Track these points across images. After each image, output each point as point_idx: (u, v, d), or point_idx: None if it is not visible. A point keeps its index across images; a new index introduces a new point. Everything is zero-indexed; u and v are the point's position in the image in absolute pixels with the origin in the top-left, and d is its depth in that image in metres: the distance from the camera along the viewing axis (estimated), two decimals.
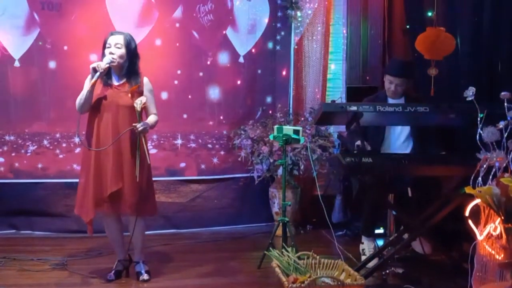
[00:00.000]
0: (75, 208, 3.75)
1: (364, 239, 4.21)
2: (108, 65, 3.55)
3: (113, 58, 3.58)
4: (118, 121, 3.60)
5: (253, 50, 5.45)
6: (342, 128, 5.14)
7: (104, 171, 3.60)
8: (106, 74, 3.60)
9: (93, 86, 3.53)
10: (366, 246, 4.17)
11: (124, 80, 3.67)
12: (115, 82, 3.67)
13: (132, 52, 3.68)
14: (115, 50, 3.61)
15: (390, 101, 4.18)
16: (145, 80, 3.75)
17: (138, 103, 3.56)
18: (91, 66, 3.53)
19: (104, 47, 3.66)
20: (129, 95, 3.60)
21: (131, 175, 3.60)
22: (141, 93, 3.67)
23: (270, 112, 5.46)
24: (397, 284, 3.54)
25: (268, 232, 4.92)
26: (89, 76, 3.63)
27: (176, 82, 5.21)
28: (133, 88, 3.62)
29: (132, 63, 3.68)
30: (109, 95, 3.61)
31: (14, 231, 5.05)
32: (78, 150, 5.00)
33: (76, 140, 4.98)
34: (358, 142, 3.77)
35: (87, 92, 3.54)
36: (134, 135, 3.61)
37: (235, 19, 5.38)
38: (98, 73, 3.51)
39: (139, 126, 3.54)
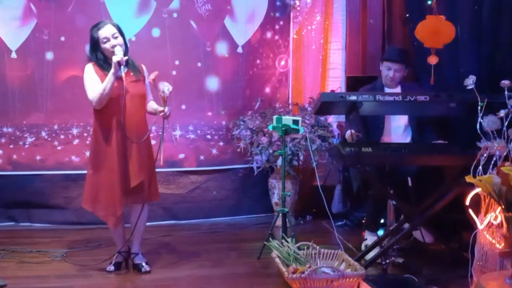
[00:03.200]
0: (83, 202, 3.68)
1: (367, 234, 4.18)
2: (126, 57, 3.53)
3: (123, 50, 3.54)
4: (136, 111, 3.61)
5: (251, 40, 5.43)
6: (342, 118, 5.14)
7: (128, 163, 3.58)
8: (109, 66, 3.52)
9: (116, 79, 3.48)
10: (370, 242, 4.13)
11: (126, 69, 3.62)
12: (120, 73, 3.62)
13: (125, 39, 3.66)
14: (117, 41, 3.55)
15: (387, 90, 4.17)
16: (144, 67, 3.77)
17: (166, 88, 3.57)
18: (116, 60, 3.44)
19: (95, 43, 3.56)
20: (151, 81, 3.62)
21: (148, 164, 3.66)
22: (144, 80, 3.71)
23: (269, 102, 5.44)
24: (397, 274, 3.54)
25: (267, 222, 4.92)
26: (89, 68, 3.57)
27: (174, 72, 5.18)
28: (154, 78, 3.61)
29: (127, 50, 3.65)
30: (122, 87, 3.53)
31: (13, 223, 5.06)
32: (76, 141, 5.01)
33: (74, 132, 4.99)
34: (348, 132, 3.75)
35: (110, 87, 3.46)
36: (146, 125, 3.68)
37: (233, 9, 5.34)
38: (123, 67, 3.47)
39: (167, 111, 3.61)
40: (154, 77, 3.60)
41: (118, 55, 3.47)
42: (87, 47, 3.67)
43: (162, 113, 3.61)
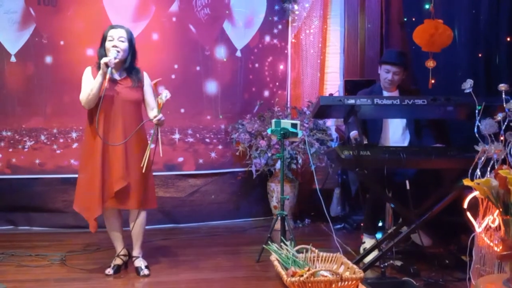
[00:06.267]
0: (74, 204, 3.71)
1: (365, 237, 4.18)
2: (117, 59, 3.53)
3: (118, 52, 3.55)
4: (125, 116, 3.60)
5: (250, 44, 5.44)
6: (340, 121, 5.15)
7: (111, 166, 3.58)
8: (105, 66, 3.54)
9: (104, 81, 3.48)
10: (368, 245, 4.13)
11: (125, 75, 3.65)
12: (117, 77, 3.65)
13: (133, 47, 3.68)
14: (119, 44, 3.57)
15: (385, 94, 4.18)
16: (145, 75, 3.76)
17: (164, 95, 3.57)
18: (103, 61, 3.47)
19: (103, 40, 3.62)
20: (152, 88, 3.64)
21: (137, 169, 3.62)
22: (142, 88, 3.70)
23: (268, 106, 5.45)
24: (395, 277, 3.54)
25: (266, 226, 4.92)
26: (87, 71, 3.62)
27: (173, 76, 5.19)
28: (156, 83, 3.63)
29: (133, 58, 3.68)
30: (114, 90, 3.58)
31: (12, 227, 5.06)
32: (75, 145, 5.01)
33: (73, 136, 5.00)
34: (353, 133, 3.77)
35: (97, 88, 3.48)
36: (140, 130, 3.66)
37: (232, 13, 5.36)
38: (110, 68, 3.48)
39: (160, 117, 3.59)
40: (156, 82, 3.64)
41: (108, 57, 3.50)
42: None
43: (154, 119, 3.60)
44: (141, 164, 3.61)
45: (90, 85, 3.53)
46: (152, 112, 3.72)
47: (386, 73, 4.13)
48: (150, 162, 3.71)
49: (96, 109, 3.54)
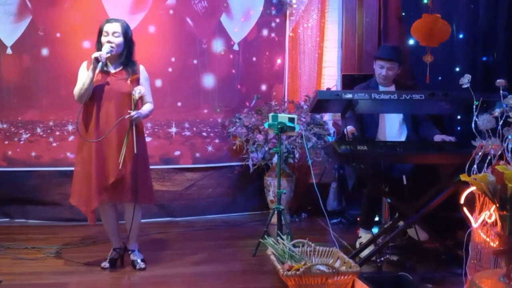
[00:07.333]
0: (70, 197, 3.70)
1: (362, 232, 4.19)
2: (108, 54, 3.52)
3: (111, 48, 3.54)
4: (119, 109, 3.57)
5: (248, 38, 5.42)
6: (337, 115, 5.15)
7: (106, 159, 3.57)
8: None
9: (94, 75, 3.48)
10: (364, 240, 4.14)
11: (120, 68, 3.64)
12: (112, 70, 3.64)
13: (129, 40, 3.66)
14: (113, 39, 3.56)
15: (381, 88, 4.17)
16: (141, 68, 3.74)
17: (137, 91, 3.54)
18: (93, 56, 3.47)
19: (99, 35, 3.61)
20: (129, 82, 3.58)
21: (133, 163, 3.60)
22: (138, 81, 3.67)
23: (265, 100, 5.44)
24: (391, 272, 3.55)
25: (263, 220, 4.92)
26: (83, 65, 3.63)
27: (170, 69, 5.17)
28: (134, 77, 3.60)
29: (129, 52, 3.66)
30: (108, 83, 3.57)
31: (8, 219, 5.05)
32: (71, 138, 4.99)
33: (69, 128, 4.99)
34: (349, 127, 3.75)
35: (89, 83, 3.48)
36: (137, 123, 3.62)
37: (230, 6, 5.34)
38: (101, 63, 3.47)
39: (134, 114, 3.52)
40: (131, 78, 3.60)
41: (100, 52, 3.49)
42: None
43: (127, 116, 3.52)
44: (137, 157, 3.60)
45: (82, 79, 3.53)
46: (145, 106, 3.71)
47: (380, 69, 4.12)
48: (146, 157, 3.71)
49: (89, 103, 3.54)
